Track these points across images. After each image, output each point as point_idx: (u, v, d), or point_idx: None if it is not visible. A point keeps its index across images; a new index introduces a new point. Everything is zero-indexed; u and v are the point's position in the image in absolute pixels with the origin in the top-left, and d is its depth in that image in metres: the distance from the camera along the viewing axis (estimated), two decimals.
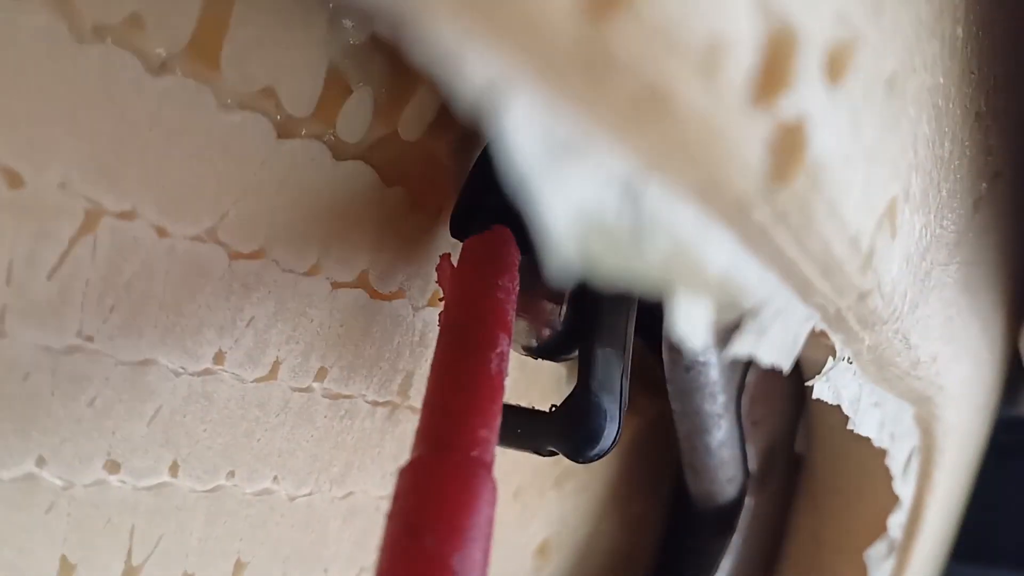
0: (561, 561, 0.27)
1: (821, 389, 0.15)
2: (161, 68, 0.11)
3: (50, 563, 0.13)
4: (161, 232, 0.12)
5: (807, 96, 0.08)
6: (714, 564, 0.26)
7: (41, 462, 0.12)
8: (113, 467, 0.13)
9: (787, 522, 0.30)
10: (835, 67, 0.08)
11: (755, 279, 0.10)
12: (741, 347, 0.11)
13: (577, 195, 0.06)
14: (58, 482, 0.12)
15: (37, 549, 0.12)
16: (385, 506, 0.11)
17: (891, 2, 0.10)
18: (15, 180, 0.10)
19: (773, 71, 0.07)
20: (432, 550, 0.10)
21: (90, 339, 0.12)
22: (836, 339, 0.14)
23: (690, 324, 0.09)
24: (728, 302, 0.10)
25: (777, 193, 0.08)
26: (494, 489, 0.11)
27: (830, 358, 0.15)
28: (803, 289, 0.11)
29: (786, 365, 0.13)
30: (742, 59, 0.07)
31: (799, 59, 0.07)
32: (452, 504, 0.11)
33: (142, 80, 0.11)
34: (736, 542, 0.26)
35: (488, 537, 0.11)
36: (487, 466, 0.11)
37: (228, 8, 0.11)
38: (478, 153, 0.16)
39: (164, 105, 0.11)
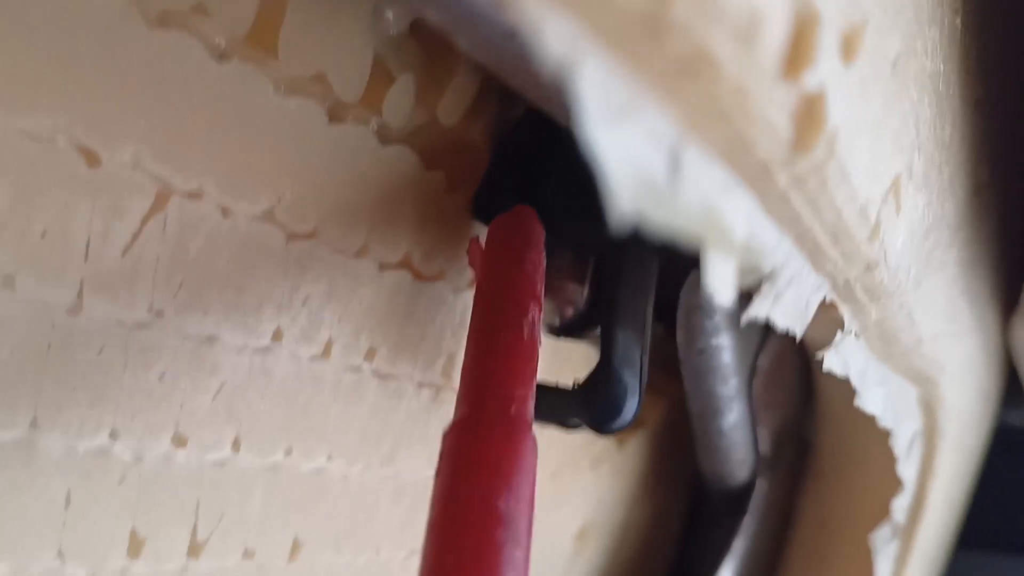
0: (599, 544, 0.27)
1: (831, 360, 0.16)
2: (222, 55, 0.12)
3: (121, 535, 0.13)
4: (225, 211, 0.12)
5: (826, 72, 0.09)
6: (727, 544, 0.26)
7: (114, 434, 0.12)
8: (180, 441, 0.13)
9: (796, 505, 0.30)
10: (848, 47, 0.09)
11: (773, 244, 0.11)
12: (759, 310, 0.12)
13: (631, 153, 0.07)
14: (129, 454, 0.12)
15: (109, 520, 0.13)
16: (431, 485, 0.11)
17: None
18: (93, 159, 0.11)
19: (799, 47, 0.08)
20: (479, 495, 0.11)
21: (160, 314, 0.12)
22: (844, 311, 0.15)
23: (718, 281, 0.10)
24: (750, 266, 0.11)
25: (798, 159, 0.09)
26: (534, 441, 0.12)
27: (839, 331, 0.16)
28: (815, 256, 0.12)
29: (798, 330, 0.14)
30: (775, 32, 0.08)
31: (820, 38, 0.08)
32: (495, 453, 0.11)
33: (205, 65, 0.11)
34: (749, 523, 0.26)
35: (531, 484, 0.11)
36: (526, 421, 0.12)
37: None
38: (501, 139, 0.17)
39: (225, 89, 0.12)
